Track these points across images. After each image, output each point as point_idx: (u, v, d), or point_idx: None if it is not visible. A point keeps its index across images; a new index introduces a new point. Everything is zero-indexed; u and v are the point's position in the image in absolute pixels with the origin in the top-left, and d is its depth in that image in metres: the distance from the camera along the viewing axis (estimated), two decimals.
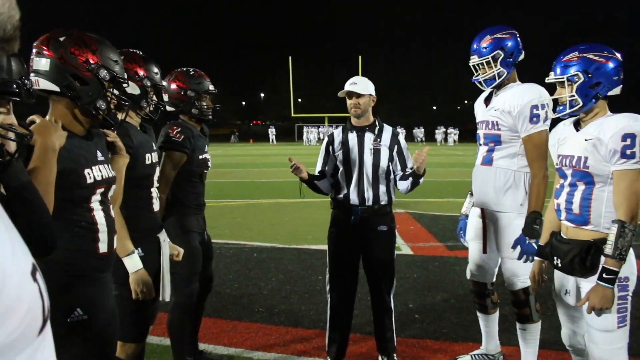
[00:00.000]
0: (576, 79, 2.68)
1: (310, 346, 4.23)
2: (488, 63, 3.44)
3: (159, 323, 4.46)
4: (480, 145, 3.67)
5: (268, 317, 4.90)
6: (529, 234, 3.30)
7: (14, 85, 1.43)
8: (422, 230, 8.79)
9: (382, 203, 3.74)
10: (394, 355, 3.89)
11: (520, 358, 3.66)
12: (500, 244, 3.55)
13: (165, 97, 3.62)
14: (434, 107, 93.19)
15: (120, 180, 2.46)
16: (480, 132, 3.65)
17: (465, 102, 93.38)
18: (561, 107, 2.79)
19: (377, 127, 3.79)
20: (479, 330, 4.01)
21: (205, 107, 3.63)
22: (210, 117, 3.68)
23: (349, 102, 3.73)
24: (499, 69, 3.43)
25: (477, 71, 3.54)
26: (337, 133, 3.89)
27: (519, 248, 3.33)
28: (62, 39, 2.05)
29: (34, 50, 2.06)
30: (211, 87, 3.67)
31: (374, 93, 3.75)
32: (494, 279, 3.84)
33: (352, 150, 3.74)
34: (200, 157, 3.59)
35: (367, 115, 3.77)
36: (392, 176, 3.80)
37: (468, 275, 3.89)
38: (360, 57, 55.30)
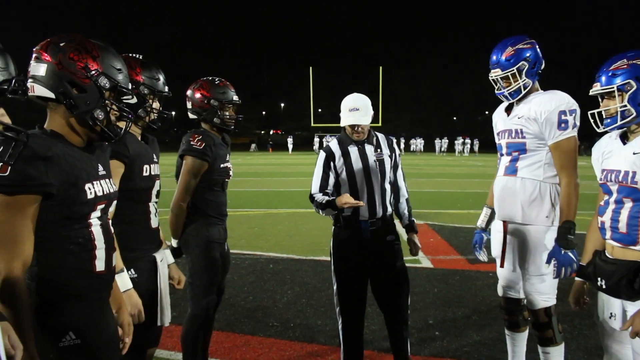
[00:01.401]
0: (628, 88, 2.47)
1: None
2: (513, 75, 3.31)
3: (170, 336, 4.36)
4: (502, 155, 3.52)
5: (282, 331, 4.75)
6: (564, 244, 3.10)
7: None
8: (443, 243, 8.58)
9: (389, 213, 3.66)
10: None
11: None
12: (525, 260, 3.36)
13: (189, 105, 3.59)
14: (454, 118, 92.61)
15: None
16: (502, 141, 3.49)
17: (486, 112, 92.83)
18: (609, 120, 2.56)
19: (375, 138, 3.69)
20: (503, 349, 3.81)
21: (228, 117, 3.58)
22: (232, 127, 3.63)
23: (349, 129, 3.60)
24: (525, 80, 3.30)
25: (496, 84, 3.42)
26: (335, 147, 3.66)
27: (553, 263, 3.11)
28: (62, 44, 1.93)
29: (33, 56, 1.94)
30: (235, 98, 3.61)
31: (372, 111, 3.63)
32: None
33: (357, 163, 3.58)
34: (222, 165, 3.52)
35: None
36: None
37: (500, 292, 3.65)
38: (380, 67, 55.35)
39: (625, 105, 2.48)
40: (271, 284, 6.24)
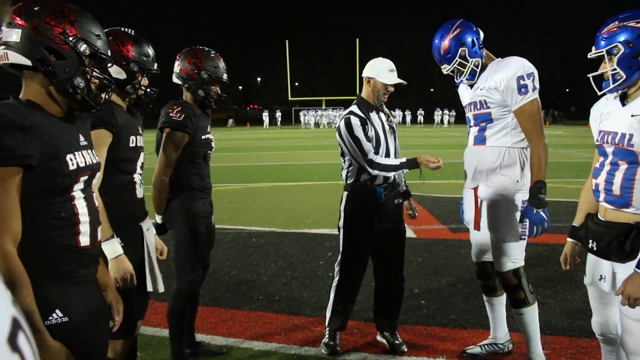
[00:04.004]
0: (616, 51, 2.43)
1: (313, 335, 4.05)
2: (461, 64, 3.38)
3: (154, 313, 4.31)
4: (470, 127, 3.56)
5: (268, 304, 4.72)
6: (536, 204, 3.18)
7: None
8: (424, 213, 8.60)
9: (397, 178, 3.83)
10: (396, 333, 3.86)
11: (526, 344, 3.47)
12: (493, 223, 3.41)
13: (177, 69, 3.46)
14: (432, 90, 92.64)
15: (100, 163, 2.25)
16: (470, 114, 3.53)
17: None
18: (605, 83, 2.55)
19: (383, 105, 3.82)
20: (488, 316, 3.83)
21: (213, 92, 3.50)
22: (212, 104, 3.55)
23: (382, 90, 3.69)
24: (472, 60, 3.36)
25: (454, 73, 3.49)
26: (362, 114, 3.66)
27: (527, 223, 3.22)
28: (36, 8, 1.81)
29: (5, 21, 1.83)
30: (225, 76, 3.52)
31: None
32: None
33: (379, 129, 3.71)
34: (203, 137, 3.43)
35: None
36: None
37: (474, 258, 3.73)
38: (357, 39, 54.97)
39: (615, 69, 2.44)
40: (255, 258, 6.20)
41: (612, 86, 2.48)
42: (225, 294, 5.00)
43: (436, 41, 3.43)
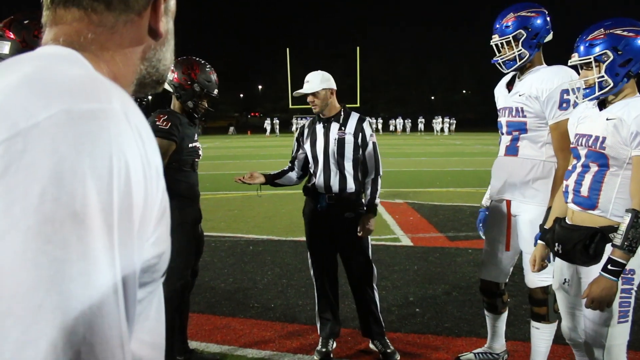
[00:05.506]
0: (605, 58, 2.45)
1: (307, 343, 4.06)
2: (509, 43, 3.16)
3: None
4: (502, 134, 3.39)
5: (263, 312, 4.73)
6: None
7: None
8: (422, 221, 8.61)
9: (349, 191, 3.77)
10: (385, 338, 3.85)
11: (529, 357, 3.46)
12: (523, 239, 3.29)
13: (170, 77, 3.47)
14: (432, 97, 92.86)
15: None
16: (502, 119, 3.33)
17: (463, 91, 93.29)
18: (588, 90, 2.54)
19: (342, 116, 3.83)
20: (483, 325, 3.84)
21: (201, 105, 3.56)
22: (199, 116, 3.62)
23: (308, 99, 3.82)
24: (520, 50, 3.14)
25: (499, 51, 3.28)
26: (306, 124, 3.99)
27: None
28: (26, 21, 1.87)
29: None
30: (216, 92, 3.60)
31: (329, 86, 3.77)
32: (507, 279, 3.61)
33: (318, 140, 3.81)
34: (190, 145, 3.48)
35: (330, 107, 3.82)
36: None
37: (480, 274, 3.63)
38: (358, 48, 55.10)
39: (603, 76, 2.47)
40: (251, 266, 6.21)
41: (597, 93, 2.50)
42: (220, 302, 5.00)
43: (509, 9, 3.20)
